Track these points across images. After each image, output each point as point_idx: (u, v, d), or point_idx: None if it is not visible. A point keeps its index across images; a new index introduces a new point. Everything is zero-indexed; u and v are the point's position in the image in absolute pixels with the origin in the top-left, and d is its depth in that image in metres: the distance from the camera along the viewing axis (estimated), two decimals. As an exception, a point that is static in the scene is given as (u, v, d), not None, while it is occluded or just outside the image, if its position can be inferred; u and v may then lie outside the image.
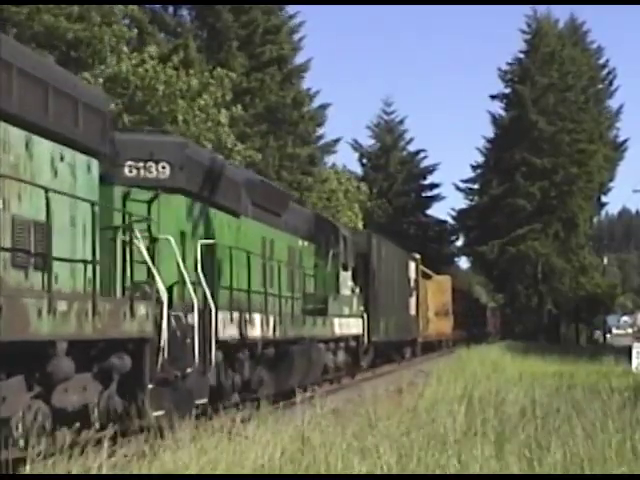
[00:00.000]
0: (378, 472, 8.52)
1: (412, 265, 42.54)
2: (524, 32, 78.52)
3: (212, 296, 14.76)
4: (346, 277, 27.11)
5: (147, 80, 29.13)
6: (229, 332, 15.59)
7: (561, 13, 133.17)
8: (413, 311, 41.84)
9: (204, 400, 14.18)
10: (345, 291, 26.84)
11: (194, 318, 13.77)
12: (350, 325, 26.42)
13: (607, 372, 26.20)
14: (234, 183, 17.44)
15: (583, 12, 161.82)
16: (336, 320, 24.34)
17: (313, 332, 21.70)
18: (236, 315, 16.10)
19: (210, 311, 14.53)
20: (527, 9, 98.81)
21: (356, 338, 27.66)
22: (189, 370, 13.55)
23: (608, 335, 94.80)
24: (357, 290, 28.56)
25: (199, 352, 13.83)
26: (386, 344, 34.55)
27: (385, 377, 27.45)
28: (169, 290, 13.33)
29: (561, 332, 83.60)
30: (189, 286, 13.83)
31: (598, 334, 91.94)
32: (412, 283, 42.14)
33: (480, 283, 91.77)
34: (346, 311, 26.13)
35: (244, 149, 35.31)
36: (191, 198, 14.99)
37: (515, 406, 13.19)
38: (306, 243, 23.04)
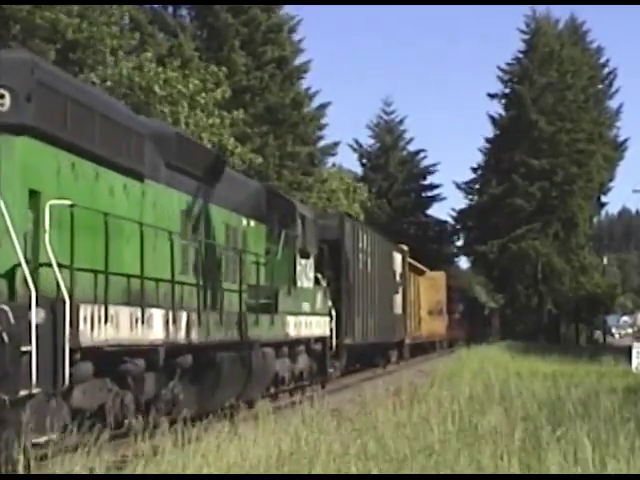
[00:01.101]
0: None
1: (398, 257, 37.64)
2: (523, 32, 78.71)
3: (71, 283, 10.54)
4: (306, 266, 21.94)
5: (146, 81, 29.11)
6: (103, 335, 11.20)
7: (561, 13, 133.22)
8: (399, 309, 37.19)
9: (47, 437, 9.82)
10: (305, 283, 21.78)
11: (33, 315, 9.75)
12: (312, 325, 21.73)
13: (607, 372, 26.19)
14: (132, 132, 13.15)
15: (583, 12, 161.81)
16: (290, 319, 19.60)
17: (255, 334, 17.01)
18: (120, 311, 11.70)
19: (65, 305, 10.21)
20: (526, 9, 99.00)
21: (322, 340, 23.05)
22: (23, 393, 9.63)
23: (617, 335, 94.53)
24: (324, 283, 23.83)
25: (43, 365, 9.80)
26: (364, 347, 30.45)
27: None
28: (8, 276, 10.14)
29: (561, 332, 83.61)
30: (24, 268, 9.92)
31: (598, 334, 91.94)
32: (398, 278, 37.32)
33: (480, 283, 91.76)
34: (306, 308, 21.33)
35: (244, 152, 35.27)
36: (47, 142, 10.89)
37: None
38: (253, 223, 18.82)
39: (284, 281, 19.75)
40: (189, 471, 8.52)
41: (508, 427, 10.39)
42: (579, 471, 8.63)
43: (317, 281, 23.15)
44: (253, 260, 17.97)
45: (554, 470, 8.55)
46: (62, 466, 8.49)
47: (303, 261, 21.65)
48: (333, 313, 24.07)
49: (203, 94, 31.52)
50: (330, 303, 24.02)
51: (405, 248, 40.35)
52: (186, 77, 31.30)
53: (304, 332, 20.92)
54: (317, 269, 23.15)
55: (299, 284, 21.14)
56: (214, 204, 16.33)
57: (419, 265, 47.73)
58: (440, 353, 49.21)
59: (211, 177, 16.16)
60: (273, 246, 19.65)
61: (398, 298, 37.06)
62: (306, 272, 21.92)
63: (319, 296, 22.96)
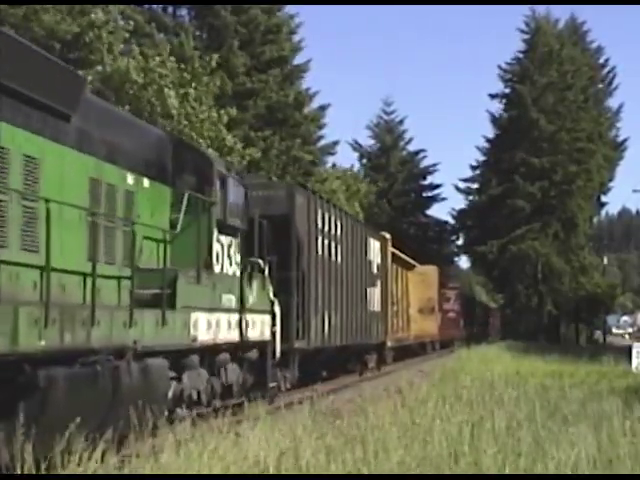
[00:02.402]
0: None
1: (375, 245, 31.47)
2: (523, 32, 78.72)
3: None
4: (229, 246, 16.20)
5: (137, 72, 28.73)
6: None
7: (561, 13, 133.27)
8: (376, 306, 31.22)
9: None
10: (228, 269, 16.08)
11: None
12: (242, 325, 16.62)
13: (607, 372, 26.17)
14: None
15: (583, 12, 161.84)
16: (200, 317, 14.22)
17: (127, 338, 11.63)
18: None
19: None
20: (526, 9, 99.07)
21: (261, 345, 17.94)
22: None
23: (626, 336, 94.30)
24: (266, 269, 18.07)
25: None
26: (329, 352, 25.17)
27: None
28: None
29: (561, 332, 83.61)
30: None
31: (598, 334, 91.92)
32: (375, 269, 31.34)
33: (480, 283, 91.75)
34: (229, 302, 15.87)
35: (242, 147, 35.06)
36: None
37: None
38: (147, 182, 13.81)
39: (189, 263, 14.21)
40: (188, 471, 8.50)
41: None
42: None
43: (251, 267, 17.31)
44: (154, 236, 13.53)
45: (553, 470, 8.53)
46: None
47: (224, 238, 15.86)
48: (277, 310, 18.59)
49: (194, 84, 31.05)
50: (272, 297, 18.47)
51: (387, 236, 34.90)
52: (181, 70, 30.93)
53: (226, 335, 15.54)
54: (252, 251, 17.40)
55: (217, 269, 15.49)
56: (66, 145, 11.30)
57: (407, 258, 43.26)
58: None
59: (60, 103, 11.08)
60: (180, 216, 14.37)
61: (375, 293, 31.15)
62: (229, 253, 16.12)
63: (254, 287, 17.22)
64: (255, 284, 17.36)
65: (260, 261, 17.76)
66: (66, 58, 27.06)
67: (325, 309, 23.92)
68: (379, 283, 31.99)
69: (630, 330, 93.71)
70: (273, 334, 18.46)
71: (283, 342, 19.13)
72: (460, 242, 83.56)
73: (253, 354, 17.60)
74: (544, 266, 74.31)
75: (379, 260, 32.13)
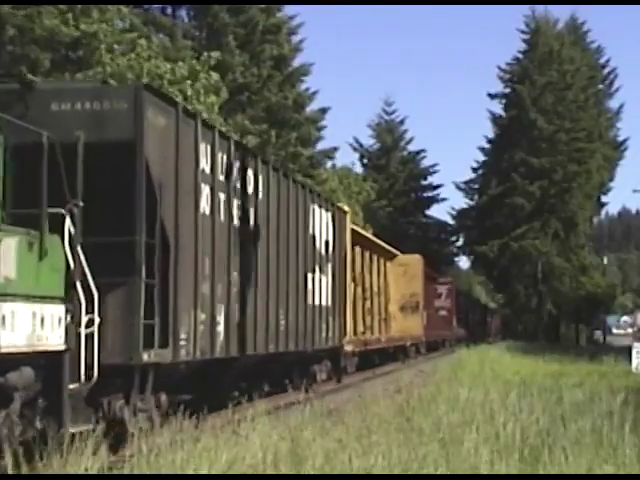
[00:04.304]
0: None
1: (323, 217, 22.66)
2: (523, 32, 78.75)
3: None
4: None
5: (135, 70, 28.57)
6: None
7: (561, 13, 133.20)
8: (324, 299, 22.38)
9: None
10: None
11: None
12: None
13: (607, 372, 26.17)
14: None
15: (583, 12, 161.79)
16: None
17: None
18: None
19: None
20: (526, 9, 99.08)
21: (44, 362, 10.40)
22: None
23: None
24: (67, 225, 10.95)
25: None
26: (241, 365, 16.93)
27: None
28: None
29: (561, 332, 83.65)
30: None
31: (598, 334, 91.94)
32: (322, 249, 22.48)
33: (481, 283, 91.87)
34: None
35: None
36: None
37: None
38: None
39: None
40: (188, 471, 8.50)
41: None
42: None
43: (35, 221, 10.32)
44: None
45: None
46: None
47: None
48: (96, 295, 11.16)
49: (189, 82, 30.86)
50: (86, 273, 11.15)
51: (345, 208, 26.56)
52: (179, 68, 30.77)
53: None
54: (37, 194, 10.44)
55: None
56: None
57: (383, 244, 36.47)
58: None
59: None
60: None
61: (323, 281, 22.48)
62: None
63: (27, 254, 10.04)
64: (32, 248, 10.11)
65: (53, 211, 10.57)
66: (66, 58, 27.08)
67: (221, 300, 15.22)
68: (330, 269, 23.20)
69: (630, 330, 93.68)
70: (86, 340, 10.97)
71: (116, 353, 11.79)
72: (460, 242, 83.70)
73: (22, 376, 9.96)
74: (544, 266, 74.32)
75: (330, 238, 23.31)
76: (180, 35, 40.55)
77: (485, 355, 35.16)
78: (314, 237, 22.00)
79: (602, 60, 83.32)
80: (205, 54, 33.75)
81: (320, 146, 52.43)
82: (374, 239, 34.94)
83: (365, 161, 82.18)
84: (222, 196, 15.52)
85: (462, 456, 9.10)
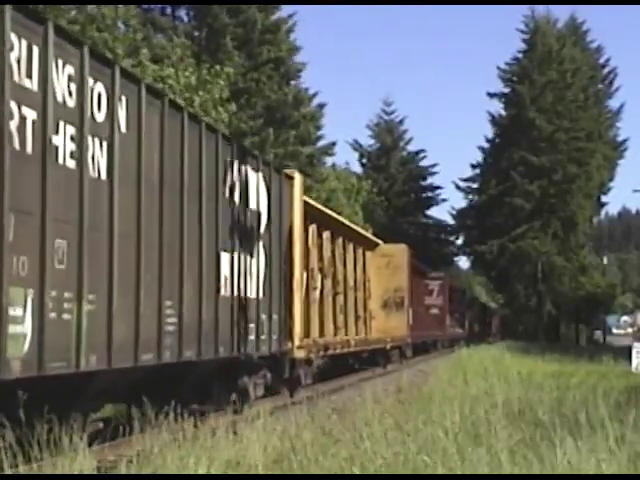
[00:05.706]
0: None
1: (253, 178, 17.14)
2: (522, 32, 78.69)
3: None
4: None
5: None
6: None
7: (561, 13, 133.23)
8: (253, 289, 16.95)
9: None
10: None
11: None
12: None
13: (607, 372, 26.14)
14: None
15: (583, 12, 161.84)
16: None
17: None
18: None
19: None
20: (526, 9, 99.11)
21: None
22: None
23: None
24: None
25: None
26: (100, 385, 11.64)
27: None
28: None
29: (561, 332, 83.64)
30: None
31: (598, 334, 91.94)
32: (254, 223, 17.17)
33: (481, 283, 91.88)
34: None
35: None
36: None
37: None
38: None
39: None
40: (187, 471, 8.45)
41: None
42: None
43: None
44: None
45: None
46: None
47: None
48: None
49: (201, 92, 31.07)
50: None
51: (296, 175, 20.38)
52: (185, 73, 30.88)
53: None
54: None
55: None
56: None
57: (359, 229, 33.22)
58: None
59: None
60: None
61: (251, 265, 16.89)
62: None
63: None
64: None
65: None
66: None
67: (26, 284, 9.35)
68: (262, 248, 17.57)
69: (630, 330, 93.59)
70: None
71: None
72: (460, 242, 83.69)
73: None
74: (544, 265, 74.30)
75: (264, 208, 17.79)
76: (182, 35, 40.53)
77: (485, 355, 35.12)
78: (234, 204, 16.02)
79: (602, 60, 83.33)
80: (217, 67, 33.81)
81: (319, 145, 52.48)
82: (349, 223, 29.94)
83: (364, 161, 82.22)
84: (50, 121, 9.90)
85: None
